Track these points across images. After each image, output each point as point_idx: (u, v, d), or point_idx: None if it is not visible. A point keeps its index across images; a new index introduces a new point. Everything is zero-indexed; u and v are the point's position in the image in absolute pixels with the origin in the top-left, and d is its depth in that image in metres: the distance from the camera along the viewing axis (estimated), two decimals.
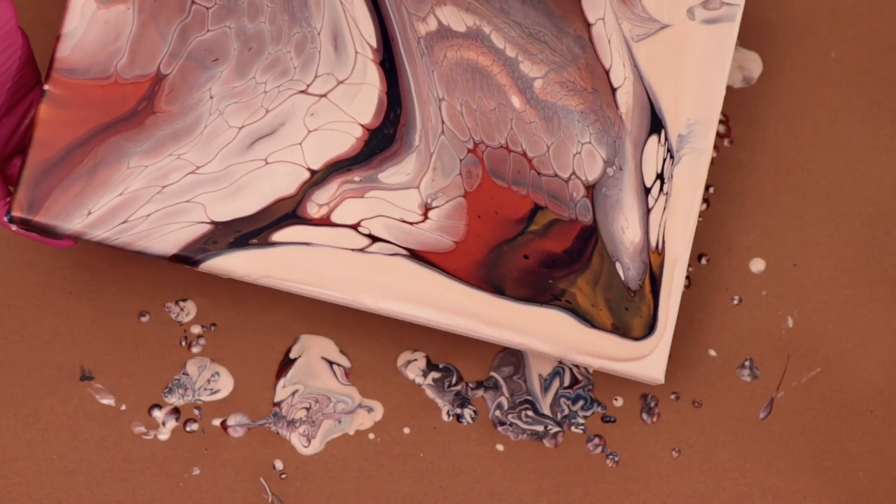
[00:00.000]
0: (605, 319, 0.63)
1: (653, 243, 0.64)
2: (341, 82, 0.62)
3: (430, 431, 0.68)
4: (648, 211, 0.64)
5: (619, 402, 0.69)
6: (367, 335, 0.70)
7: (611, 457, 0.68)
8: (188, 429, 0.68)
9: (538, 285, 0.63)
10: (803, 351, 0.70)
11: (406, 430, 0.68)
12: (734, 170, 0.72)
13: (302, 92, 0.62)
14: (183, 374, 0.69)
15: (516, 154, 0.63)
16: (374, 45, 0.63)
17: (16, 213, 0.58)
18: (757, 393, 0.69)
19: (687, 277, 0.70)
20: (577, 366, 0.69)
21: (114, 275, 0.70)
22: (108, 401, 0.68)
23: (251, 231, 0.60)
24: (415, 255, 0.62)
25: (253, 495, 0.67)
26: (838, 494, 0.67)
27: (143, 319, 0.69)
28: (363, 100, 0.62)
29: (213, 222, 0.60)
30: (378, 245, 0.62)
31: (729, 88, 0.74)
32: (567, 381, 0.69)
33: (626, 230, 0.64)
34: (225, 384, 0.69)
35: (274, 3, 0.62)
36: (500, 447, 0.68)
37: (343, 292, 0.61)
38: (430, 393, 0.69)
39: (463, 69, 0.64)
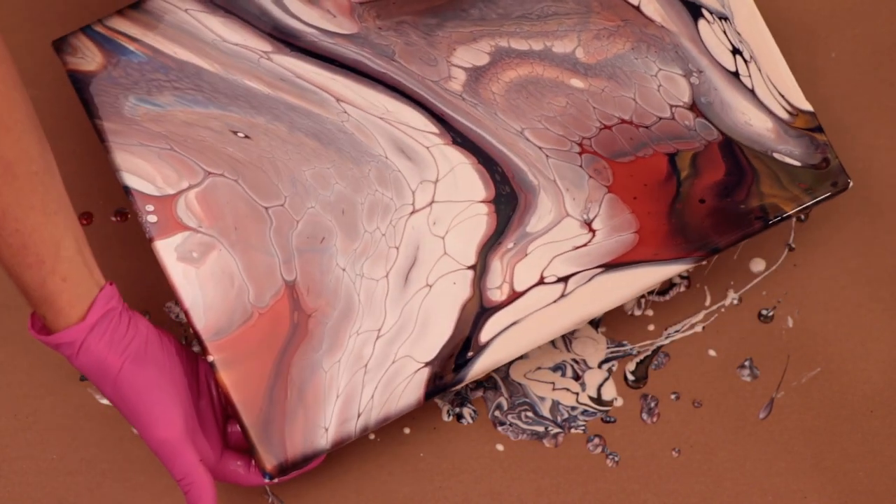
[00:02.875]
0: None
1: (783, 115, 0.64)
2: (437, 182, 0.62)
3: (430, 431, 0.68)
4: (752, 91, 0.64)
5: (619, 403, 0.69)
6: None
7: (611, 457, 0.68)
8: None
9: (736, 217, 0.63)
10: (803, 351, 0.70)
11: (406, 430, 0.68)
12: None
13: (412, 213, 0.62)
14: None
15: (617, 126, 0.63)
16: (436, 130, 0.63)
17: (271, 471, 0.59)
18: (757, 393, 0.69)
19: (686, 277, 0.70)
20: (576, 362, 0.69)
21: (114, 275, 0.70)
22: (107, 401, 0.68)
23: (462, 348, 0.61)
24: (610, 267, 0.62)
25: (253, 495, 0.67)
26: (838, 494, 0.67)
27: None
28: (464, 181, 0.62)
29: (426, 363, 0.60)
30: (573, 281, 0.62)
31: None
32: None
33: (751, 122, 0.63)
34: None
35: (332, 163, 0.62)
36: (500, 447, 0.68)
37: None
38: None
39: (515, 91, 0.64)
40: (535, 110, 0.63)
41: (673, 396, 0.69)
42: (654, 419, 0.69)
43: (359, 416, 0.60)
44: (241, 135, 0.62)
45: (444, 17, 0.64)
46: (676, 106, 0.63)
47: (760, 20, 0.65)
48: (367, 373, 0.60)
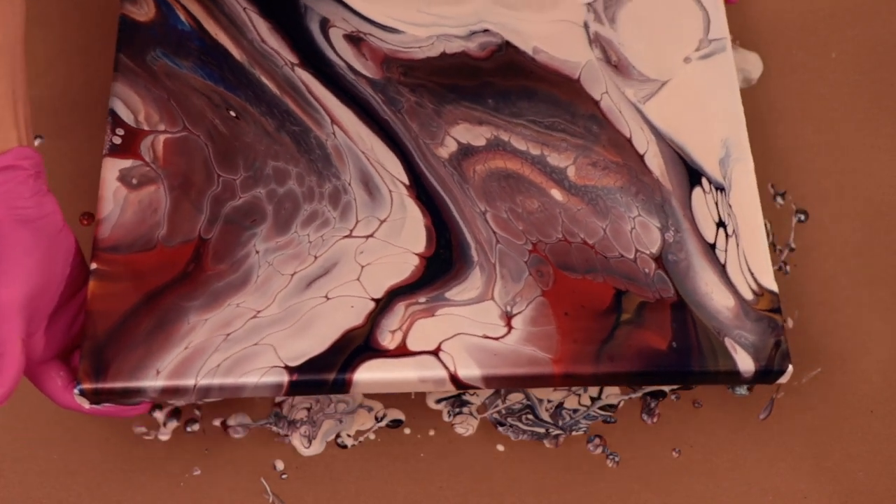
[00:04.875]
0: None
1: (747, 295, 0.62)
2: (384, 221, 0.63)
3: (430, 431, 0.68)
4: (723, 267, 0.62)
5: (619, 403, 0.69)
6: None
7: (611, 457, 0.68)
8: (189, 429, 0.68)
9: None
10: (803, 351, 0.70)
11: (406, 431, 0.68)
12: None
13: (347, 237, 0.63)
14: None
15: (577, 244, 0.63)
16: (406, 181, 0.64)
17: (85, 385, 0.58)
18: (757, 393, 0.69)
19: None
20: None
21: None
22: None
23: (333, 381, 0.59)
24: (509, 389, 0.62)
25: (253, 496, 0.67)
26: (838, 494, 0.67)
27: None
28: (410, 232, 0.63)
29: (286, 367, 0.59)
30: (464, 382, 0.60)
31: None
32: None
33: (713, 295, 0.62)
34: None
35: (299, 167, 0.65)
36: (500, 447, 0.68)
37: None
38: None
39: (496, 178, 0.65)
40: (505, 200, 0.64)
41: (673, 396, 0.69)
42: (654, 419, 0.69)
43: (196, 380, 0.58)
44: (232, 113, 0.66)
45: (460, 95, 0.67)
46: (642, 252, 0.63)
47: (756, 197, 0.64)
48: (226, 341, 0.59)
